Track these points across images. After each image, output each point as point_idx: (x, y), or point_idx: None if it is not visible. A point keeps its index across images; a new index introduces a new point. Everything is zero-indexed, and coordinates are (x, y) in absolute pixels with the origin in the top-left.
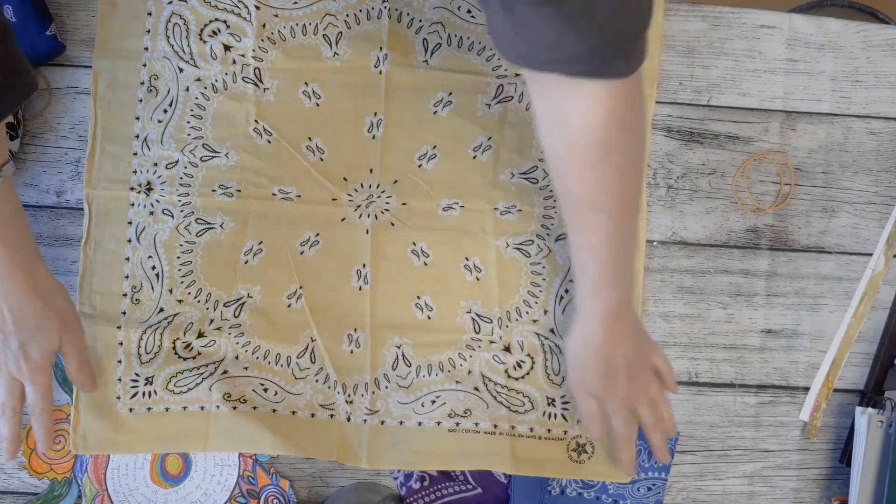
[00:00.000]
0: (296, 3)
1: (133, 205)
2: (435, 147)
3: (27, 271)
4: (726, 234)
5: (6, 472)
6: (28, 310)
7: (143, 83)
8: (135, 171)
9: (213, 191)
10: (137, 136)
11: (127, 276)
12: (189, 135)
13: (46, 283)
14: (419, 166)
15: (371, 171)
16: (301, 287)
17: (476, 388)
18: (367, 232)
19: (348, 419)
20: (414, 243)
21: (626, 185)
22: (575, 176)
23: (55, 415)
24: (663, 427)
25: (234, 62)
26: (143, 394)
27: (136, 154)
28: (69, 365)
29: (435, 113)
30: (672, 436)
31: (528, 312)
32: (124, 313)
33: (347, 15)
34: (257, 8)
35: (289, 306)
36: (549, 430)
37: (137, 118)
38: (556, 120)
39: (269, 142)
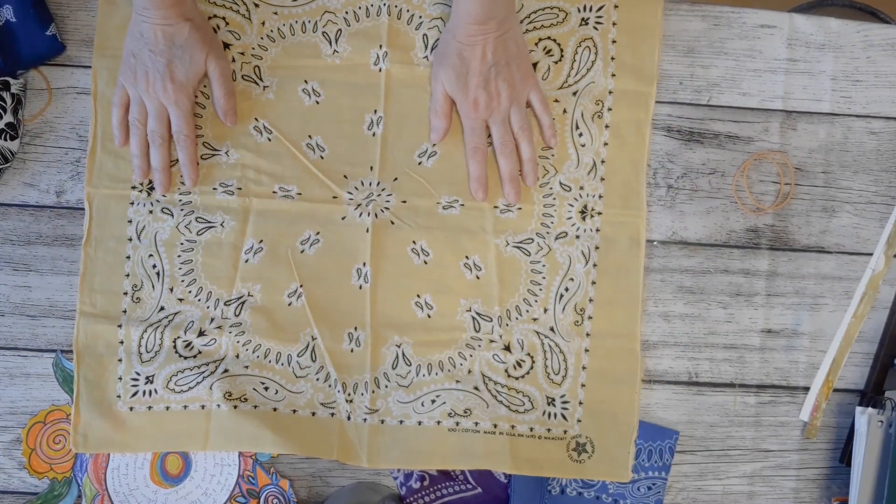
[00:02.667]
0: (295, 0)
1: (133, 203)
2: (435, 145)
3: (178, 1)
4: (726, 234)
5: (6, 472)
6: (178, 32)
7: None
8: (135, 170)
9: (214, 189)
10: None
11: (128, 275)
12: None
13: (195, 13)
14: (419, 164)
15: (371, 168)
16: (301, 285)
17: (476, 388)
18: (368, 230)
19: (348, 418)
20: (414, 242)
21: None
22: None
23: (55, 414)
24: (514, 158)
25: (234, 60)
26: (144, 392)
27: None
28: (215, 90)
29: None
30: (530, 183)
31: (528, 311)
32: (125, 312)
33: (347, 12)
34: (256, 6)
35: (289, 305)
36: (549, 430)
37: None
38: None
39: (270, 140)
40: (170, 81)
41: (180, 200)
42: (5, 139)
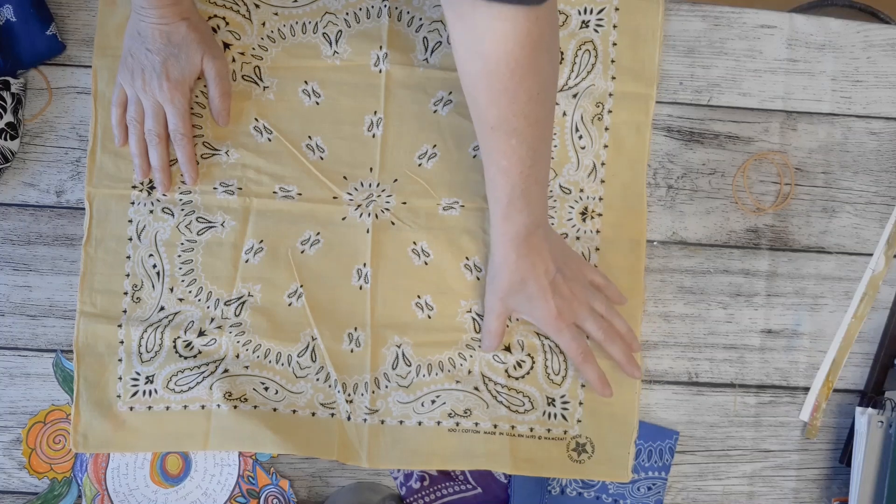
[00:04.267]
0: (295, 1)
1: (134, 203)
2: (435, 146)
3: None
4: (726, 234)
5: (6, 472)
6: (175, 31)
7: None
8: (135, 170)
9: (214, 188)
10: None
11: (128, 275)
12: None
13: (192, 11)
14: (419, 165)
15: (371, 169)
16: (301, 286)
17: (476, 388)
18: (368, 231)
19: (348, 418)
20: (414, 242)
21: (538, 109)
22: (489, 100)
23: (55, 414)
24: (619, 339)
25: (234, 60)
26: (144, 392)
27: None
28: (211, 90)
29: (435, 112)
30: (636, 349)
31: None
32: (125, 312)
33: (347, 13)
34: (257, 6)
35: (289, 305)
36: (549, 430)
37: None
38: (471, 43)
39: (270, 140)
40: (165, 80)
41: (181, 200)
42: (5, 139)
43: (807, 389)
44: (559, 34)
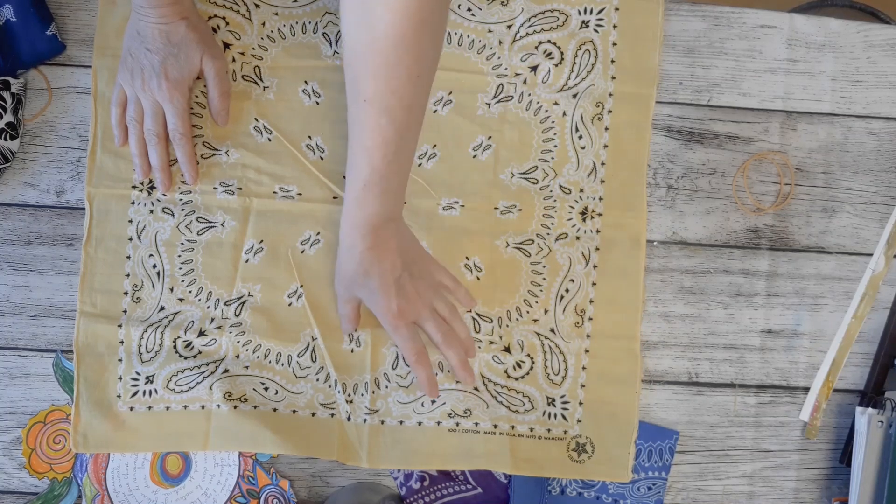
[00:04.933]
0: (295, 1)
1: (134, 203)
2: (435, 146)
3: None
4: (726, 234)
5: (6, 472)
6: (174, 31)
7: None
8: (136, 169)
9: (215, 188)
10: None
11: (128, 275)
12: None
13: (192, 13)
14: (419, 165)
15: None
16: (302, 286)
17: (476, 388)
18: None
19: (348, 419)
20: None
21: (413, 93)
22: (368, 72)
23: (55, 414)
24: (457, 343)
25: (234, 60)
26: (144, 392)
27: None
28: (210, 90)
29: (435, 112)
30: (471, 355)
31: (528, 312)
32: (125, 311)
33: None
34: (257, 6)
35: (289, 305)
36: (549, 430)
37: None
38: (361, 13)
39: (270, 140)
40: (164, 79)
41: (181, 200)
42: (5, 139)
43: (807, 389)
44: (447, 20)
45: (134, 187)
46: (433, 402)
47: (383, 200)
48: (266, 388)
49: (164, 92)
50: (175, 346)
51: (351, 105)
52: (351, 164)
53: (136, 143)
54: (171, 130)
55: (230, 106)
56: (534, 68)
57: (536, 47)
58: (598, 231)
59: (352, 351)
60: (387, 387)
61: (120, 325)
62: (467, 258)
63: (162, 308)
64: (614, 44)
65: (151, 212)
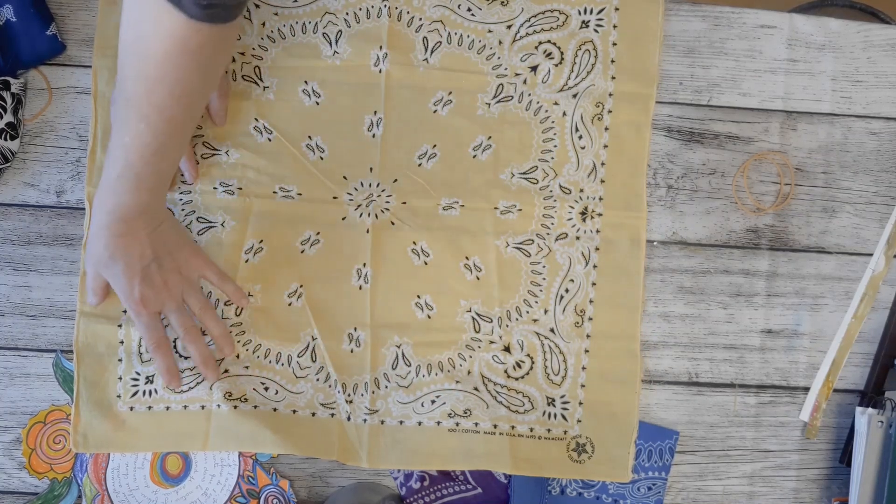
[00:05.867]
0: (295, 1)
1: None
2: (435, 146)
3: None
4: (726, 234)
5: (6, 472)
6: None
7: None
8: None
9: (214, 188)
10: None
11: None
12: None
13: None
14: (419, 165)
15: (371, 169)
16: (301, 286)
17: (476, 388)
18: (368, 231)
19: (348, 419)
20: (414, 242)
21: (176, 109)
22: (132, 77)
23: (55, 414)
24: (198, 339)
25: (234, 60)
26: (144, 392)
27: None
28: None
29: (435, 112)
30: (227, 353)
31: (528, 312)
32: (125, 312)
33: (347, 13)
34: (257, 6)
35: (289, 305)
36: (549, 430)
37: None
38: (136, 17)
39: (270, 140)
40: (181, 271)
41: (181, 200)
42: (5, 139)
43: (807, 389)
44: (228, 62)
45: None
46: (433, 402)
47: (137, 195)
48: (266, 388)
49: (184, 281)
50: (175, 346)
51: (116, 95)
52: (109, 152)
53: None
54: (198, 313)
55: (229, 105)
56: (534, 68)
57: (536, 47)
58: (597, 231)
59: (351, 351)
60: (387, 387)
61: (120, 325)
62: (467, 258)
63: None
64: (614, 44)
65: None
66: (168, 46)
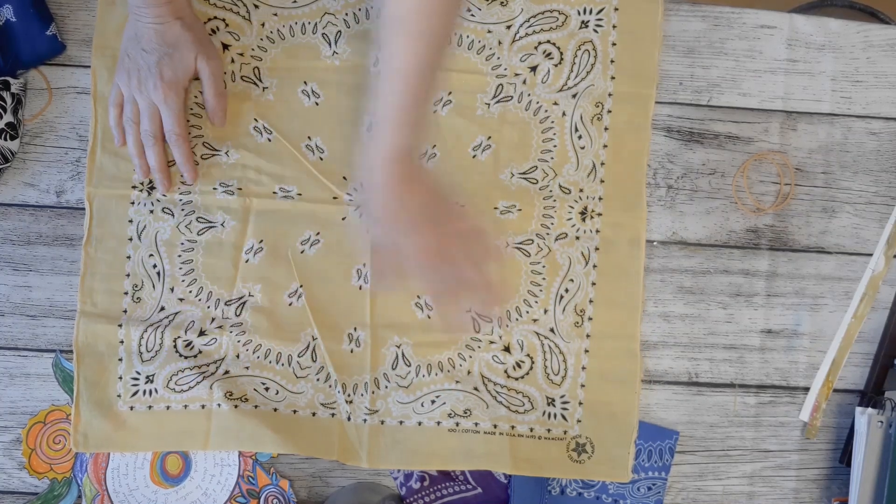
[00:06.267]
0: (295, 1)
1: (134, 203)
2: (434, 146)
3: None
4: (726, 234)
5: (6, 472)
6: (168, 30)
7: None
8: (136, 169)
9: (214, 188)
10: None
11: (128, 275)
12: (190, 133)
13: (188, 13)
14: None
15: None
16: (302, 286)
17: (476, 388)
18: (368, 231)
19: (349, 419)
20: None
21: (444, 12)
22: (397, 3)
23: (55, 414)
24: (481, 286)
25: (233, 61)
26: (144, 392)
27: None
28: (205, 90)
29: (434, 112)
30: (503, 301)
31: (528, 312)
32: (125, 311)
33: (346, 14)
34: (256, 7)
35: (290, 305)
36: (548, 430)
37: None
38: None
39: (270, 140)
40: (159, 79)
41: (181, 200)
42: (5, 139)
43: (807, 389)
44: None
45: (134, 187)
46: (433, 402)
47: (406, 131)
48: (267, 389)
49: (159, 93)
50: (175, 346)
51: (383, 25)
52: (381, 90)
53: (134, 143)
54: (166, 131)
55: (229, 106)
56: (533, 68)
57: (536, 47)
58: (597, 231)
59: (351, 351)
60: (387, 387)
61: (120, 325)
62: None
63: (162, 308)
64: (614, 44)
65: (151, 212)
66: None
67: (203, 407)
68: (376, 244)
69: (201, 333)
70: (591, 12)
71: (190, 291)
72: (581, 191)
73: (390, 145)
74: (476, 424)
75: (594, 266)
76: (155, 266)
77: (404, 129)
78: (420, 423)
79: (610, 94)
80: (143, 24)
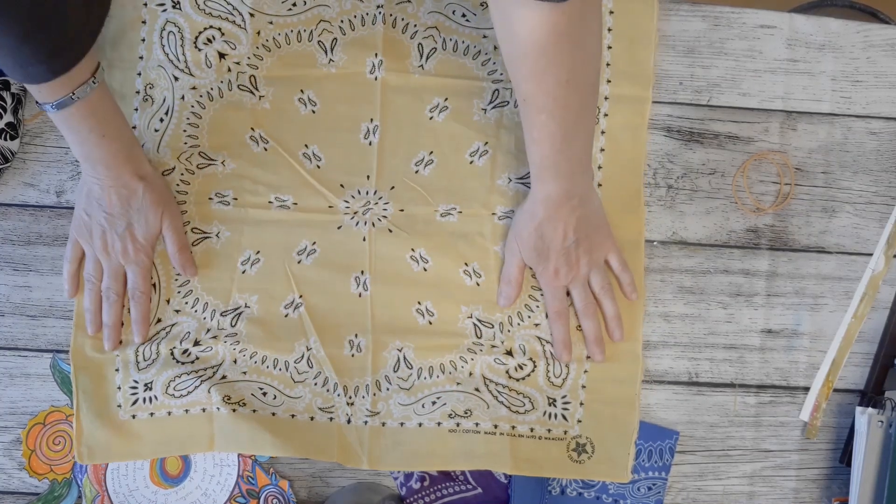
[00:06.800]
0: (290, 9)
1: None
2: (432, 153)
3: (129, 158)
4: (726, 234)
5: (6, 472)
6: (133, 193)
7: (138, 92)
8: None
9: (210, 199)
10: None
11: None
12: (186, 143)
13: (147, 169)
14: (416, 172)
15: (368, 177)
16: (301, 296)
17: (477, 389)
18: (364, 239)
19: (349, 421)
20: (413, 249)
21: (567, 94)
22: (521, 76)
23: (55, 415)
24: (595, 316)
25: (230, 70)
26: (144, 399)
27: None
28: (171, 247)
29: (431, 118)
30: (617, 338)
31: (529, 317)
32: (122, 324)
33: (342, 21)
34: (252, 15)
35: (286, 316)
36: (549, 431)
37: (134, 127)
38: (505, 28)
39: (266, 149)
40: (130, 243)
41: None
42: (5, 139)
43: (807, 389)
44: (600, 23)
45: None
46: (433, 402)
47: (560, 181)
48: (265, 393)
49: (129, 255)
50: (172, 354)
51: (518, 99)
52: (528, 152)
53: (93, 299)
54: (132, 288)
55: (226, 115)
56: None
57: None
58: None
59: (352, 356)
60: (388, 389)
61: None
62: (466, 264)
63: (158, 320)
64: (609, 47)
65: None
66: (544, 40)
67: (204, 410)
68: (511, 252)
69: (196, 343)
70: None
71: (186, 303)
72: None
73: (539, 192)
74: (476, 425)
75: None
76: (151, 278)
77: (548, 180)
78: (420, 425)
79: (606, 98)
80: (102, 186)
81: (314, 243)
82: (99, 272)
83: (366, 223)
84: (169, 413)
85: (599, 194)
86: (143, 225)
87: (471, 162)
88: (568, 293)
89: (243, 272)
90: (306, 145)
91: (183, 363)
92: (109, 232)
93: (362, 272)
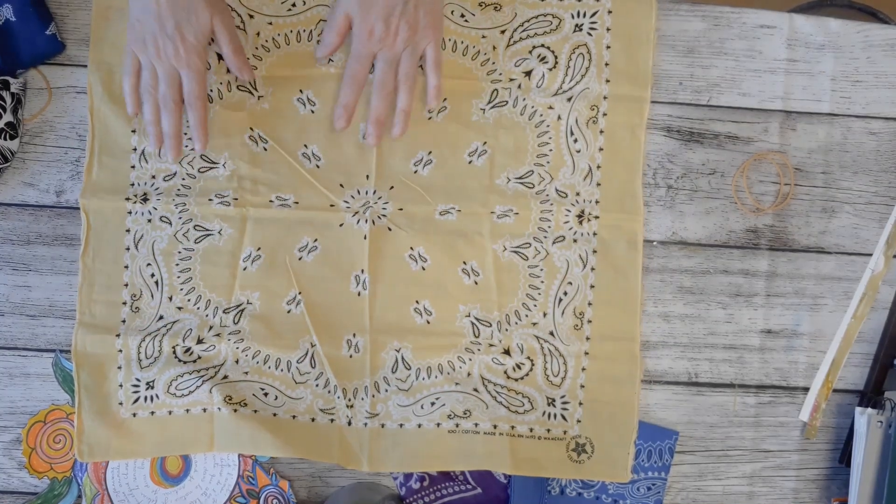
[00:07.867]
0: (289, 10)
1: (131, 213)
2: (430, 152)
3: None
4: (726, 234)
5: (6, 471)
6: None
7: None
8: (132, 184)
9: (210, 199)
10: (135, 150)
11: (126, 285)
12: (186, 146)
13: None
14: (415, 172)
15: (367, 177)
16: (300, 293)
17: (476, 390)
18: (365, 237)
19: (349, 423)
20: (411, 248)
21: None
22: None
23: (55, 414)
24: (386, 98)
25: (229, 71)
26: (145, 398)
27: (133, 167)
28: (225, 48)
29: (430, 118)
30: (396, 132)
31: (527, 315)
32: (124, 321)
33: None
34: (251, 16)
35: (288, 312)
36: (548, 431)
37: (134, 131)
38: None
39: (266, 149)
40: (181, 43)
41: (178, 209)
42: (5, 139)
43: (806, 389)
44: None
45: (128, 199)
46: (433, 403)
47: None
48: (266, 394)
49: (181, 57)
50: (175, 352)
51: None
52: None
53: (152, 110)
54: (187, 94)
55: (224, 117)
56: (528, 73)
57: (530, 52)
58: (594, 234)
59: (350, 356)
60: (387, 390)
61: (118, 335)
62: (465, 263)
63: (161, 317)
64: (608, 47)
65: (149, 221)
66: None
67: (204, 410)
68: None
69: (199, 341)
70: (584, 15)
71: (188, 300)
72: (578, 194)
73: None
74: (476, 425)
75: (592, 269)
76: (153, 275)
77: None
78: (420, 426)
79: (605, 97)
80: None
81: (315, 240)
82: (155, 80)
83: (366, 221)
84: (170, 412)
85: (598, 193)
86: (192, 23)
87: (469, 162)
88: (372, 67)
89: (245, 269)
90: (305, 145)
91: (185, 362)
92: (160, 35)
93: (362, 270)
